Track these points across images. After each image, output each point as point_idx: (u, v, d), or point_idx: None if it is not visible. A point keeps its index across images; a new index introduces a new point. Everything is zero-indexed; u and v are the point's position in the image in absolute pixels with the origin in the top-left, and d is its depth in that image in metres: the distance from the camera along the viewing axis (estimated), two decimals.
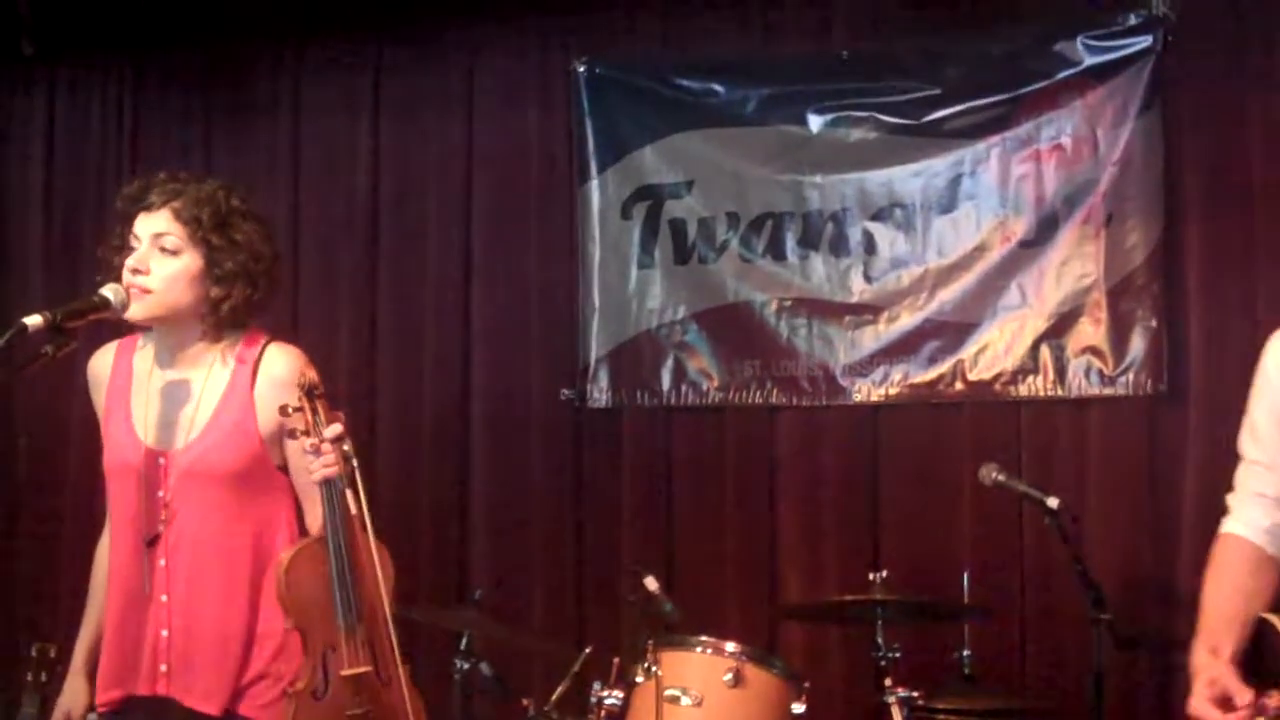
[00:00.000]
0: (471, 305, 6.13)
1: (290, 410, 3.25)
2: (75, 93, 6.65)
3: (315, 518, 3.37)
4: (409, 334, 6.18)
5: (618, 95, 6.04)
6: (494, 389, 6.07)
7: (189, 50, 6.48)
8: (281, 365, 3.39)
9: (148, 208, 3.35)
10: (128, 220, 3.37)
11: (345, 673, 3.26)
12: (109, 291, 3.27)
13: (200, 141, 6.46)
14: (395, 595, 3.36)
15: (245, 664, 3.37)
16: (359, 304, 6.24)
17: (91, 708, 3.49)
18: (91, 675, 3.51)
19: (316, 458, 3.23)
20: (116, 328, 3.44)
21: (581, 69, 6.06)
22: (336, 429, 3.24)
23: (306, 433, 3.23)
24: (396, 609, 3.34)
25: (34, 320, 3.08)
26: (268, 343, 3.44)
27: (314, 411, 3.24)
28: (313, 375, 3.30)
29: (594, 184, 6.03)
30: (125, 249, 3.36)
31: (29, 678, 4.51)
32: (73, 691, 3.55)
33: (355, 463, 3.28)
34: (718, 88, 5.92)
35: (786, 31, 5.95)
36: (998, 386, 5.54)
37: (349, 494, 3.27)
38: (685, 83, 5.96)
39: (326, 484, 3.25)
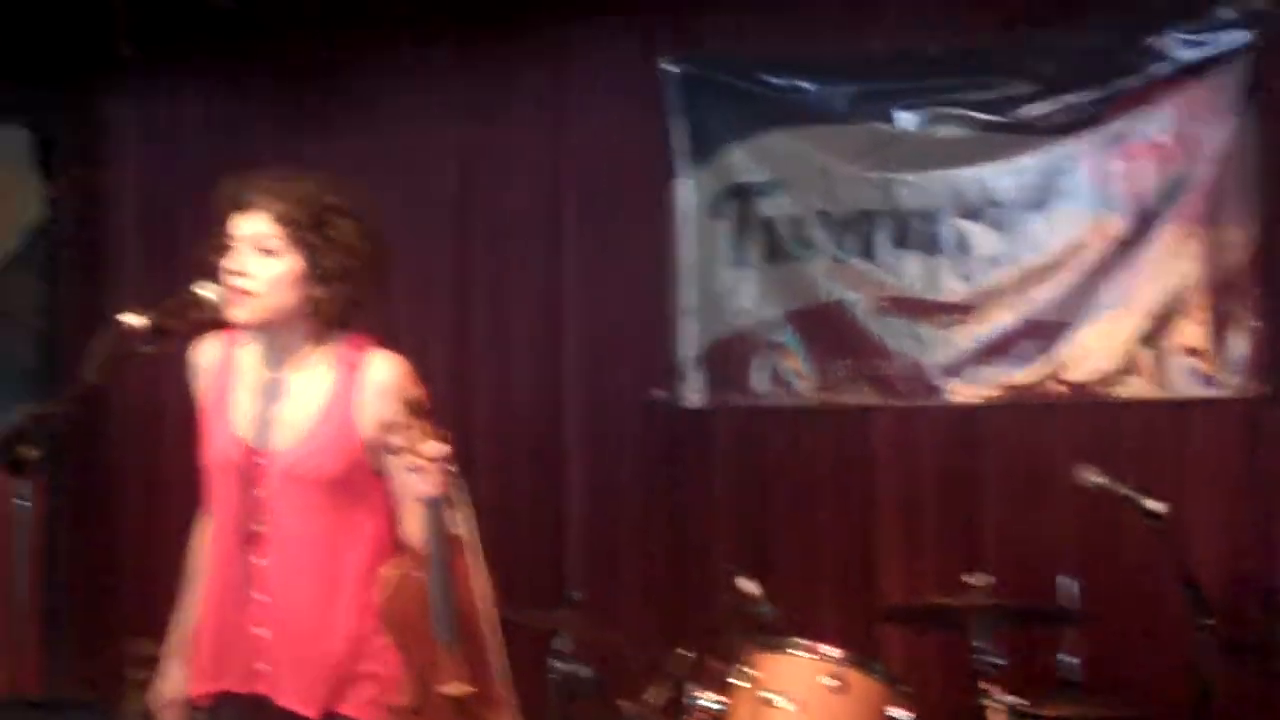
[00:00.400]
0: (563, 306, 6.14)
1: (393, 426, 3.24)
2: (171, 96, 6.73)
3: (411, 528, 3.35)
4: (501, 335, 6.20)
5: (707, 94, 6.03)
6: (587, 389, 6.09)
7: (281, 53, 6.53)
8: (385, 374, 3.37)
9: (244, 209, 3.34)
10: (226, 222, 3.37)
11: (445, 690, 3.24)
12: (206, 289, 3.27)
13: (292, 143, 6.48)
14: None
15: (344, 665, 3.36)
16: (451, 304, 6.27)
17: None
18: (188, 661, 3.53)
19: (419, 475, 3.22)
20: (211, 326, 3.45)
21: (671, 68, 6.05)
22: (440, 447, 3.20)
23: (410, 450, 3.22)
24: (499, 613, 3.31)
25: (132, 319, 3.10)
26: (372, 350, 3.42)
27: (416, 429, 3.24)
28: (417, 392, 3.28)
29: (684, 183, 6.03)
30: (224, 250, 3.35)
31: (132, 675, 4.57)
32: (172, 678, 3.55)
33: (462, 482, 3.26)
34: (807, 85, 5.90)
35: (876, 28, 5.92)
36: (1096, 387, 5.48)
37: (453, 513, 3.25)
38: (774, 80, 5.94)
39: (429, 502, 3.21)
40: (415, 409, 3.23)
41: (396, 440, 3.22)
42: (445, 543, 3.23)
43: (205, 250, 3.38)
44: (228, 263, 3.31)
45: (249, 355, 3.46)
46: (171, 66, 6.66)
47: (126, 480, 6.52)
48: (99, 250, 6.72)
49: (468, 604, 3.26)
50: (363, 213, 3.46)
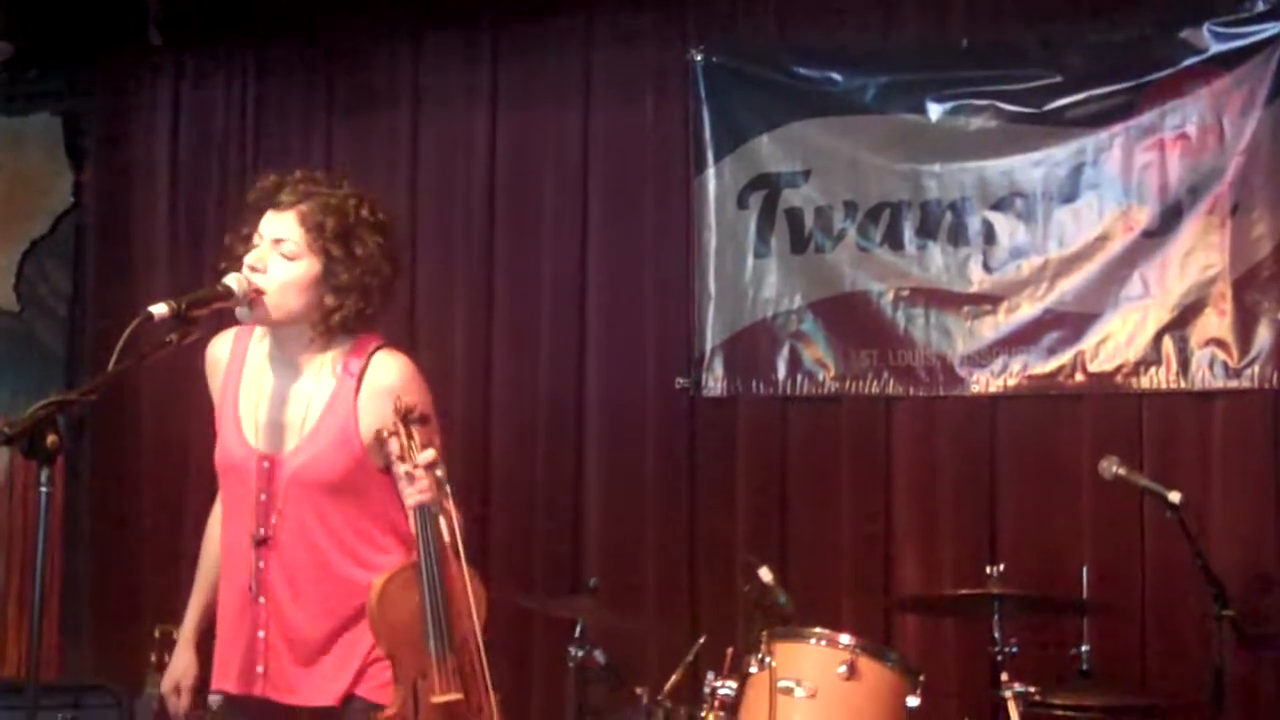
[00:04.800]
0: (587, 293, 6.14)
1: (386, 434, 3.26)
2: (200, 82, 6.75)
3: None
4: (525, 322, 6.20)
5: (734, 84, 6.02)
6: (609, 377, 6.08)
7: (310, 41, 6.56)
8: (386, 374, 3.40)
9: (277, 206, 3.36)
10: (258, 213, 3.39)
11: (436, 699, 3.24)
12: (232, 281, 3.29)
13: (321, 130, 6.53)
14: (489, 617, 3.36)
15: (357, 656, 3.39)
16: (475, 292, 6.27)
17: (202, 682, 3.56)
18: (200, 647, 3.58)
19: (410, 484, 3.24)
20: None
21: (698, 58, 6.04)
22: (430, 455, 3.22)
23: (402, 458, 3.23)
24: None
25: (159, 308, 3.11)
26: (376, 349, 3.44)
27: (409, 436, 3.23)
28: (409, 400, 3.29)
29: (710, 173, 6.01)
30: (249, 242, 3.38)
31: (153, 659, 4.62)
32: (182, 663, 3.61)
33: (449, 488, 3.26)
34: (836, 76, 5.88)
35: (906, 19, 5.91)
36: (1119, 378, 5.45)
37: (442, 521, 3.27)
38: (803, 71, 5.92)
39: (420, 510, 3.25)
40: (406, 416, 3.25)
41: (389, 447, 3.25)
42: (438, 551, 3.26)
43: (235, 238, 3.42)
44: (248, 257, 3.34)
45: (258, 353, 3.49)
46: (200, 53, 6.71)
47: (148, 467, 6.55)
48: (127, 237, 6.75)
49: (460, 611, 3.28)
50: (392, 230, 3.48)
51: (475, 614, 3.28)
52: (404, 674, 3.30)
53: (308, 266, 3.34)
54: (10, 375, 6.85)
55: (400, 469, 3.24)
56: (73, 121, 6.94)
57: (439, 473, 3.24)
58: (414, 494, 3.23)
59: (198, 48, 6.68)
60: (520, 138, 6.32)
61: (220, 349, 3.54)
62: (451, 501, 3.26)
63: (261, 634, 3.39)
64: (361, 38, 6.50)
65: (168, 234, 6.64)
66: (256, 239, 3.36)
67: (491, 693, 3.31)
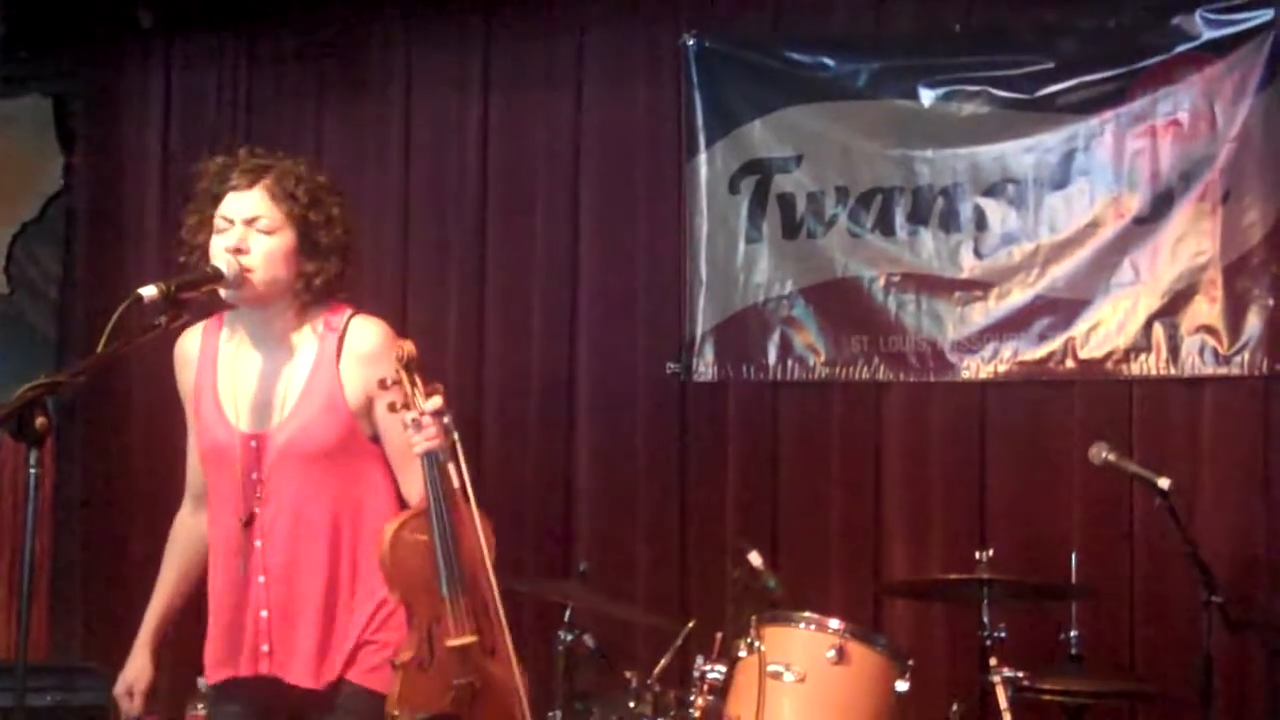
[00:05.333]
0: (579, 279, 6.14)
1: (389, 383, 3.25)
2: (191, 66, 6.73)
3: (413, 488, 3.37)
4: (517, 307, 6.20)
5: (727, 69, 6.02)
6: (600, 362, 6.09)
7: (302, 26, 6.55)
8: (366, 339, 3.41)
9: (235, 187, 3.36)
10: (214, 200, 3.38)
11: (451, 643, 3.27)
12: (221, 263, 3.29)
13: (313, 115, 6.51)
14: (499, 566, 3.34)
15: (349, 634, 3.40)
16: (468, 277, 6.26)
17: (156, 686, 3.57)
18: (156, 651, 3.59)
19: (417, 431, 3.23)
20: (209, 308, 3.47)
21: (691, 42, 6.04)
22: (436, 401, 3.22)
23: (406, 406, 3.22)
24: (501, 580, 3.33)
25: (149, 291, 3.11)
26: (351, 316, 3.45)
27: (412, 384, 3.23)
28: (410, 347, 3.29)
29: (702, 158, 6.01)
30: (211, 228, 3.37)
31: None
32: (136, 666, 3.60)
33: (456, 434, 3.27)
34: (828, 61, 5.88)
35: (899, 4, 5.90)
36: (1109, 365, 5.47)
37: (450, 466, 3.27)
38: (795, 56, 5.92)
39: (428, 456, 3.24)
40: (409, 364, 3.26)
41: (393, 397, 3.25)
42: (447, 496, 3.26)
43: (191, 229, 3.41)
44: (224, 241, 3.33)
45: (230, 341, 3.48)
46: (191, 37, 6.68)
47: (137, 449, 6.53)
48: (117, 220, 6.74)
49: (469, 555, 3.29)
50: (342, 191, 3.50)
51: (486, 556, 3.28)
52: (419, 619, 3.31)
53: (287, 237, 3.35)
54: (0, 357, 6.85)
55: (406, 417, 3.23)
56: (63, 104, 6.91)
57: (445, 419, 3.23)
58: (421, 441, 3.23)
59: (189, 31, 6.65)
60: (512, 123, 6.31)
61: (189, 344, 3.53)
62: (459, 446, 3.26)
63: (264, 613, 3.39)
64: (354, 22, 6.48)
65: (158, 217, 6.60)
66: (223, 223, 3.35)
67: (506, 632, 3.31)
